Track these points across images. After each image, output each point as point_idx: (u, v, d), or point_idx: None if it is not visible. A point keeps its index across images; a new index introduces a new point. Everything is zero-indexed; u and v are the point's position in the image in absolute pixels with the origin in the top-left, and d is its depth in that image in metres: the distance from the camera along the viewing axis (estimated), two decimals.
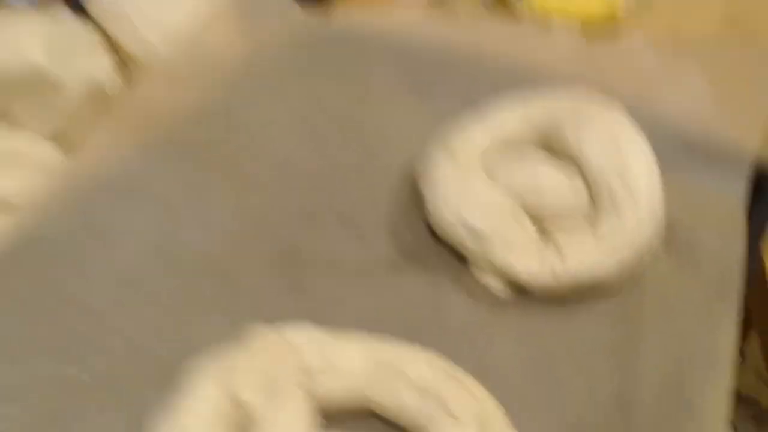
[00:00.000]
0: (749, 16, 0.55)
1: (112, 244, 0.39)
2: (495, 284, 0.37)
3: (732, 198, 0.40)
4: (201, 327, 0.36)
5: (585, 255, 0.35)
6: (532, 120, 0.41)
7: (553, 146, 0.40)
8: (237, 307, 0.37)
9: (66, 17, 0.48)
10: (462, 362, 0.32)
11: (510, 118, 0.41)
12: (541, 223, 0.38)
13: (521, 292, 0.37)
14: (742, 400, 1.32)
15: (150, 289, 0.37)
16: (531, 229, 0.38)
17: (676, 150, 0.42)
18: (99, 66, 0.47)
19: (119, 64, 0.48)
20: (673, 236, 0.39)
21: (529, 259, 0.36)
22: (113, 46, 0.49)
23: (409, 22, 0.54)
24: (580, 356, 0.34)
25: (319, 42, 0.52)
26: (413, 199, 0.41)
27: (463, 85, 0.48)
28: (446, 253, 0.39)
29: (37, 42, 0.44)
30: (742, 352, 1.39)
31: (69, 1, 0.54)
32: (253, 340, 0.31)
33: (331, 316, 0.36)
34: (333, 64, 0.50)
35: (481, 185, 0.38)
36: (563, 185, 0.38)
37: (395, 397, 0.31)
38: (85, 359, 0.34)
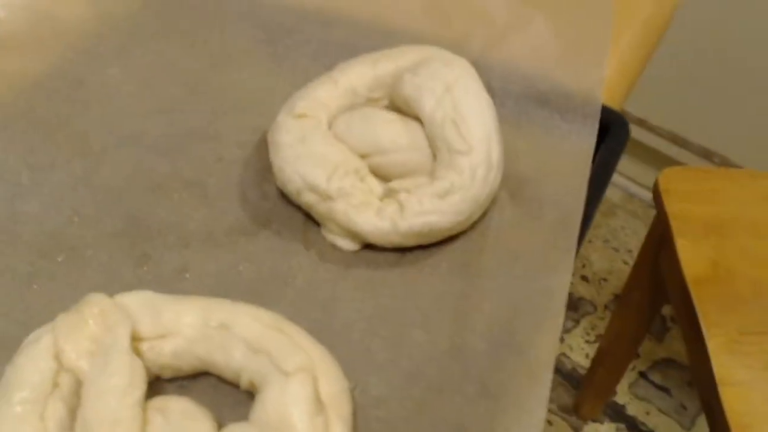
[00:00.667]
0: None
1: None
2: (342, 242, 0.37)
3: (578, 147, 0.41)
4: (45, 302, 0.35)
5: (423, 207, 0.36)
6: (381, 76, 0.41)
7: (398, 104, 0.40)
8: (83, 281, 0.36)
9: None
10: (306, 320, 0.33)
11: (358, 75, 0.41)
12: (386, 179, 0.38)
13: (369, 248, 0.37)
14: (675, 367, 1.37)
15: None
16: (375, 186, 0.38)
17: (525, 102, 0.43)
18: None
19: None
20: (520, 187, 0.39)
21: (370, 215, 0.36)
22: None
23: None
24: (420, 307, 0.35)
25: (170, 4, 0.50)
26: (264, 165, 0.41)
27: (316, 45, 0.48)
28: (297, 216, 0.39)
29: None
30: (672, 319, 1.43)
31: None
32: (85, 307, 0.31)
33: (176, 284, 0.36)
34: (184, 26, 0.49)
35: (324, 146, 0.38)
36: (403, 141, 0.38)
37: (227, 356, 0.31)
38: None
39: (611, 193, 1.62)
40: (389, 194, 0.37)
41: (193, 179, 0.41)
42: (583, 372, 1.30)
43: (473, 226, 0.38)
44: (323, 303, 0.35)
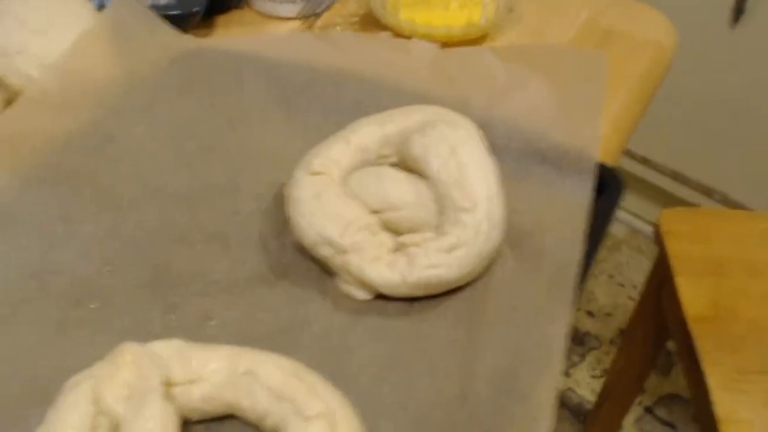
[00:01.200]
0: (608, 19, 0.59)
1: None
2: (355, 292, 0.40)
3: (575, 201, 0.44)
4: (78, 348, 0.38)
5: (430, 261, 0.38)
6: (389, 138, 0.44)
7: (408, 163, 0.43)
8: (113, 327, 0.39)
9: None
10: (322, 366, 0.35)
11: (368, 135, 0.44)
12: (396, 234, 0.41)
13: (381, 298, 0.40)
14: (680, 402, 1.38)
15: (27, 310, 0.39)
16: (386, 239, 0.41)
17: (525, 160, 0.46)
18: None
19: (6, 99, 0.50)
20: (520, 240, 0.42)
21: (381, 268, 0.39)
22: None
23: (279, 40, 0.56)
24: (427, 355, 0.37)
25: (191, 61, 0.54)
26: (282, 217, 0.44)
27: (326, 101, 0.51)
28: (313, 267, 0.42)
29: None
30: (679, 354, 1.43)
31: None
32: (119, 355, 0.33)
33: (201, 330, 0.38)
34: (204, 83, 0.53)
35: (338, 202, 0.41)
36: (413, 200, 0.41)
37: (253, 401, 0.33)
38: None
39: (616, 229, 1.65)
40: (399, 248, 0.40)
41: (215, 231, 0.43)
42: (589, 406, 1.32)
43: (477, 277, 0.40)
44: (337, 349, 0.38)
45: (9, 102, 0.50)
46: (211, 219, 0.44)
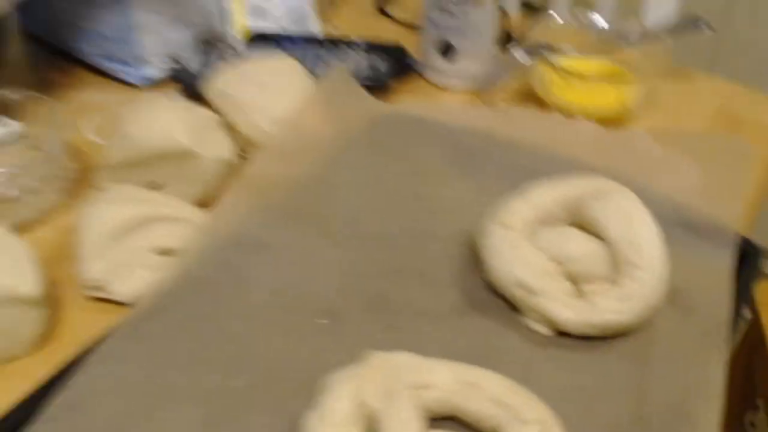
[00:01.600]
0: (735, 106, 0.68)
1: (247, 287, 0.51)
2: (540, 328, 0.49)
3: (720, 265, 0.52)
4: (318, 353, 0.47)
5: (609, 308, 0.47)
6: (564, 199, 0.53)
7: (580, 221, 0.52)
8: (345, 340, 0.48)
9: (194, 107, 0.60)
10: None
11: (546, 196, 0.54)
12: (575, 283, 0.50)
13: (561, 334, 0.49)
14: None
15: (280, 322, 0.49)
16: (567, 285, 0.50)
17: (675, 227, 0.55)
18: (225, 145, 0.59)
19: (236, 143, 0.61)
20: (676, 295, 0.51)
21: (568, 310, 0.48)
22: (230, 128, 0.62)
23: (456, 109, 0.67)
24: (605, 385, 0.46)
25: (387, 125, 0.64)
26: (471, 259, 0.53)
27: (502, 164, 0.61)
28: (501, 303, 0.51)
29: (182, 126, 0.56)
30: (752, 424, 1.51)
31: (185, 90, 0.67)
32: (372, 360, 0.43)
33: (417, 348, 0.48)
34: (397, 143, 0.63)
35: (528, 251, 0.50)
36: (591, 254, 0.50)
37: (476, 406, 0.42)
38: (240, 372, 0.46)
39: None
40: (579, 294, 0.49)
41: (420, 269, 0.53)
42: None
43: (642, 325, 0.49)
44: (525, 373, 0.46)
45: (242, 149, 0.62)
46: (416, 260, 0.54)
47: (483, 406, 0.42)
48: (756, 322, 0.95)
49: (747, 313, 1.02)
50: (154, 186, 0.57)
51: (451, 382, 0.43)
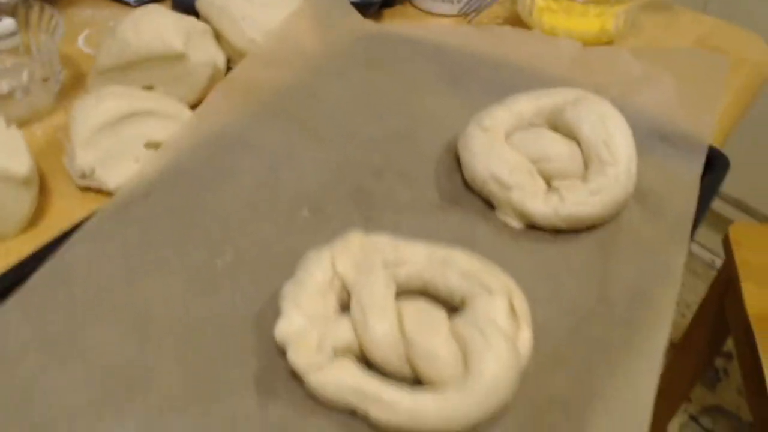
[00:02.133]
0: (714, 39, 0.70)
1: (232, 177, 0.53)
2: (513, 221, 0.51)
3: (691, 172, 0.54)
4: (301, 241, 0.49)
5: (578, 200, 0.49)
6: (542, 107, 0.55)
7: (557, 125, 0.54)
8: (327, 227, 0.50)
9: (184, 15, 0.62)
10: None
11: (526, 105, 0.56)
12: (549, 180, 0.52)
13: (532, 227, 0.51)
14: (724, 414, 1.47)
15: (263, 210, 0.51)
16: (541, 182, 0.52)
17: (651, 137, 0.57)
18: (215, 52, 0.61)
19: (227, 56, 0.63)
20: (645, 196, 0.53)
21: (538, 203, 0.50)
22: (219, 38, 0.63)
23: (442, 29, 0.69)
24: (571, 270, 0.48)
25: (373, 41, 0.66)
26: (452, 162, 0.55)
27: (486, 80, 0.63)
28: (477, 200, 0.53)
29: (173, 30, 0.58)
30: (725, 370, 1.55)
31: (176, 3, 0.69)
32: (351, 237, 0.45)
33: (394, 236, 0.50)
34: (385, 58, 0.65)
35: (505, 150, 0.52)
36: (565, 154, 0.52)
37: (445, 281, 0.44)
38: (223, 252, 0.48)
39: None
40: (551, 190, 0.51)
41: (401, 169, 0.55)
42: None
43: (610, 219, 0.51)
44: (499, 260, 0.48)
45: (228, 59, 0.63)
46: (397, 160, 0.56)
47: (452, 280, 0.44)
48: (729, 261, 0.97)
49: (718, 259, 1.03)
50: (145, 88, 0.59)
51: (424, 259, 0.45)
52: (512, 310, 0.43)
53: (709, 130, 0.56)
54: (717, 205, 1.59)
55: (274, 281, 0.45)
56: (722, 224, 1.61)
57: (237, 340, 0.43)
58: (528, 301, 0.45)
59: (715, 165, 0.56)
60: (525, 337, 0.42)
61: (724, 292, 1.01)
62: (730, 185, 1.56)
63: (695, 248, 1.71)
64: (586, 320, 0.45)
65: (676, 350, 1.18)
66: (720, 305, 1.02)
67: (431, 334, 0.40)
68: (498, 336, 0.39)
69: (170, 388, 0.41)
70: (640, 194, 0.53)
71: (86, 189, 0.54)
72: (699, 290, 1.20)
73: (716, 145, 0.62)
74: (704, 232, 1.67)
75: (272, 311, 0.43)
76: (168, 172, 0.52)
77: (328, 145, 0.57)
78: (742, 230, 1.01)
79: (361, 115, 0.59)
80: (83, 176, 0.52)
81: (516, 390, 0.39)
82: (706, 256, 1.70)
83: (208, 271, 0.47)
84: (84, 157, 0.52)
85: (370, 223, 0.51)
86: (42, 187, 0.53)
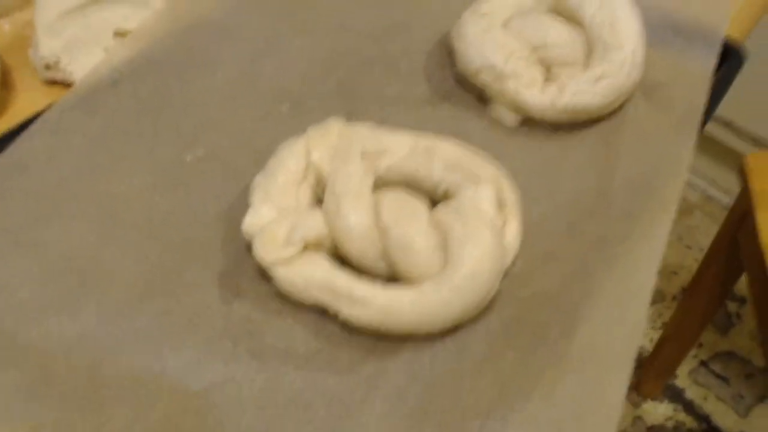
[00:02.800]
0: None
1: (207, 67, 0.49)
2: (507, 116, 0.47)
3: (703, 65, 0.50)
4: (280, 132, 0.46)
5: (578, 88, 0.45)
6: None
7: (560, 11, 0.49)
8: (304, 124, 0.47)
9: None
10: None
11: None
12: (549, 68, 0.48)
13: (529, 122, 0.47)
14: (736, 359, 1.44)
15: (239, 103, 0.48)
16: (539, 70, 0.48)
17: (663, 28, 0.52)
18: None
19: None
20: (653, 89, 0.49)
21: (535, 92, 0.46)
22: None
23: None
24: (571, 165, 0.44)
25: None
26: (445, 55, 0.51)
27: None
28: (470, 97, 0.49)
29: None
30: (738, 315, 1.51)
31: None
32: (329, 125, 0.41)
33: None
34: None
35: (501, 35, 0.48)
36: (566, 39, 0.48)
37: (428, 173, 0.40)
38: (194, 147, 0.45)
39: (689, 194, 1.68)
40: (550, 79, 0.47)
41: (390, 62, 0.51)
42: (646, 355, 1.37)
43: (614, 113, 0.47)
44: (495, 154, 0.45)
45: None
46: (387, 52, 0.52)
47: (436, 171, 0.41)
48: (745, 191, 0.93)
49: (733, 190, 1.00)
50: None
51: (407, 149, 0.42)
52: (500, 201, 0.39)
53: (724, 22, 0.51)
54: (735, 142, 1.53)
55: (246, 176, 0.42)
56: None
57: (204, 237, 0.41)
58: (523, 199, 0.42)
59: (729, 58, 0.51)
60: (512, 230, 0.39)
61: (738, 227, 0.97)
62: (747, 120, 1.49)
63: (711, 190, 1.66)
64: (584, 216, 0.41)
65: (686, 293, 1.14)
66: (734, 241, 0.98)
67: (409, 224, 0.37)
68: (481, 225, 0.36)
69: (130, 284, 0.38)
70: (647, 87, 0.49)
71: (52, 82, 0.50)
72: (714, 234, 1.16)
73: (749, 23, 0.58)
74: (723, 174, 1.61)
75: (242, 206, 0.40)
76: (138, 60, 0.49)
77: (316, 37, 0.53)
78: (759, 159, 0.97)
79: (353, 10, 0.55)
80: (47, 67, 0.49)
81: (499, 284, 0.36)
82: (723, 198, 1.65)
83: (177, 165, 0.44)
84: (47, 44, 0.49)
85: (354, 117, 0.47)
86: (6, 83, 0.50)
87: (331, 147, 0.41)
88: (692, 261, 1.55)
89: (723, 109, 1.59)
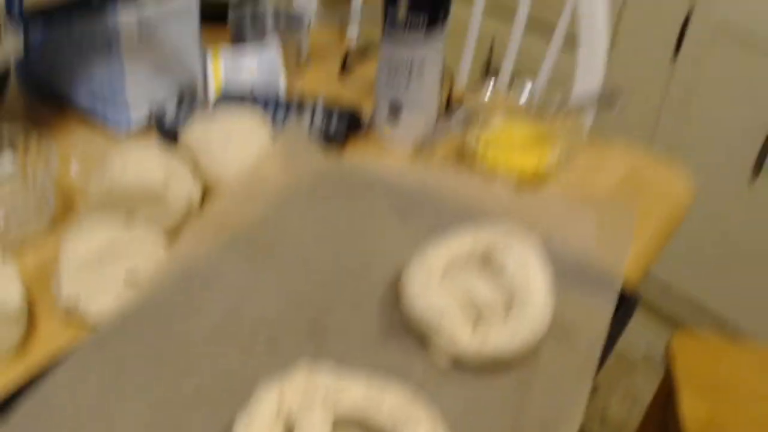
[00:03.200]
0: (642, 172, 0.79)
1: (199, 311, 0.60)
2: (442, 360, 0.58)
3: (604, 307, 0.62)
4: (258, 366, 0.56)
5: (499, 338, 0.57)
6: (477, 244, 0.63)
7: (490, 263, 0.62)
8: (281, 361, 0.57)
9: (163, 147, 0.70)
10: None
11: (462, 243, 0.63)
12: (478, 318, 0.60)
13: (459, 365, 0.58)
14: None
15: (226, 341, 0.58)
16: (468, 324, 0.59)
17: (570, 273, 0.65)
18: (192, 187, 0.69)
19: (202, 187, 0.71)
20: (562, 331, 0.60)
21: (464, 341, 0.57)
22: (198, 173, 0.71)
23: (397, 166, 0.77)
24: (492, 404, 0.54)
25: (335, 178, 0.75)
26: (396, 297, 0.63)
27: (433, 215, 0.71)
28: (415, 337, 0.60)
29: (155, 167, 0.66)
30: None
31: (162, 137, 0.77)
32: (296, 374, 0.52)
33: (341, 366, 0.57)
34: (344, 193, 0.73)
35: (437, 291, 0.60)
36: (490, 296, 0.59)
37: (377, 414, 0.51)
38: (184, 384, 0.55)
39: (634, 351, 1.80)
40: (476, 329, 0.59)
41: (350, 302, 0.62)
42: None
43: (530, 355, 0.58)
44: (429, 394, 0.54)
45: (204, 188, 0.71)
46: (348, 293, 0.63)
47: (383, 414, 0.51)
48: (670, 372, 1.04)
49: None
50: (128, 213, 0.67)
51: (362, 393, 0.52)
52: None
53: (621, 272, 0.64)
54: (673, 305, 1.67)
55: (231, 410, 0.52)
56: (678, 327, 1.69)
57: None
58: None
59: (624, 305, 0.63)
60: None
61: (666, 400, 1.07)
62: (686, 286, 1.64)
63: (654, 348, 1.77)
64: None
65: None
66: (664, 412, 1.08)
67: None
68: None
69: None
70: (558, 330, 0.60)
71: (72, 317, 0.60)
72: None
73: (639, 272, 0.71)
74: (663, 332, 1.75)
75: None
76: (143, 307, 0.60)
77: (289, 277, 0.64)
78: (683, 342, 1.08)
79: (320, 248, 0.67)
80: (69, 307, 0.59)
81: None
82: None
83: (171, 401, 0.54)
84: (70, 289, 0.59)
85: (321, 353, 0.58)
86: (32, 314, 0.60)
87: (299, 392, 0.51)
88: (638, 415, 1.64)
89: (662, 273, 1.74)
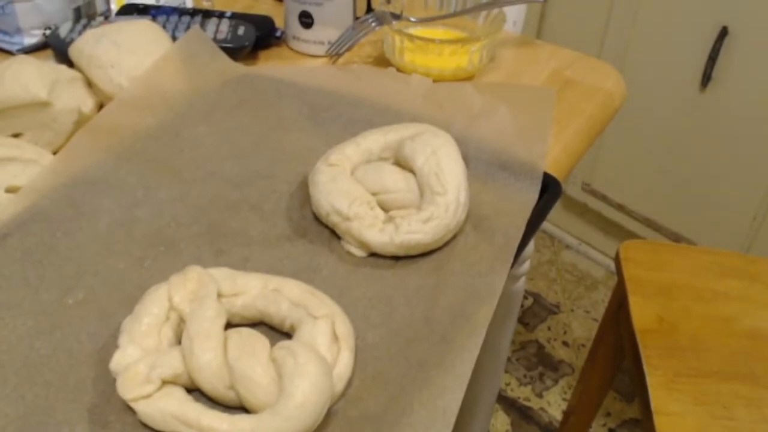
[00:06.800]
0: (571, 70, 0.75)
1: (90, 218, 0.55)
2: (355, 250, 0.55)
3: (525, 198, 0.59)
4: (152, 275, 0.52)
5: (411, 228, 0.53)
6: (390, 141, 0.59)
7: (399, 160, 0.58)
8: (176, 263, 0.53)
9: (55, 64, 0.65)
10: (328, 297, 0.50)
11: (375, 140, 0.60)
12: (388, 210, 0.56)
13: (372, 254, 0.54)
14: (640, 427, 1.50)
15: (118, 249, 0.54)
16: (380, 213, 0.55)
17: (491, 166, 0.61)
18: (83, 99, 0.64)
19: (98, 102, 0.66)
20: (481, 221, 0.57)
21: (375, 231, 0.54)
22: (91, 85, 0.66)
23: (307, 70, 0.73)
24: (405, 294, 0.51)
25: (241, 83, 0.70)
26: (304, 196, 0.59)
27: (346, 117, 0.66)
28: (324, 231, 0.57)
29: (39, 80, 0.61)
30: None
31: (56, 53, 0.72)
32: (188, 272, 0.48)
33: (241, 269, 0.53)
34: (251, 99, 0.68)
35: (347, 184, 0.56)
36: (401, 186, 0.56)
37: (277, 309, 0.47)
38: (74, 291, 0.50)
39: (595, 270, 1.79)
40: (389, 219, 0.55)
41: (255, 204, 0.58)
42: (557, 425, 1.44)
43: (446, 244, 0.55)
44: (339, 288, 0.52)
45: (100, 105, 0.66)
46: (253, 196, 0.59)
47: (282, 309, 0.48)
48: (620, 277, 1.03)
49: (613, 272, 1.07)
50: (13, 136, 0.61)
51: (259, 289, 0.48)
52: (335, 335, 0.46)
53: (543, 158, 0.60)
54: (630, 224, 1.66)
55: (120, 317, 0.48)
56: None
57: (77, 375, 0.46)
58: (362, 325, 0.49)
59: (548, 189, 0.60)
60: (344, 360, 0.45)
61: (618, 308, 1.06)
62: (637, 203, 1.63)
63: (613, 266, 1.77)
64: (412, 341, 0.48)
65: (585, 364, 1.23)
66: (617, 320, 1.07)
67: (250, 360, 0.43)
68: (309, 360, 0.43)
69: (3, 428, 0.43)
70: (476, 219, 0.57)
71: None
72: None
73: (567, 165, 0.68)
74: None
75: (113, 347, 0.46)
76: (26, 214, 0.55)
77: (188, 185, 0.60)
78: (631, 248, 1.07)
79: (224, 155, 0.63)
80: None
81: (324, 411, 0.42)
82: None
83: (58, 310, 0.50)
84: None
85: (221, 257, 0.54)
86: None
87: (190, 291, 0.47)
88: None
89: (614, 194, 1.72)
